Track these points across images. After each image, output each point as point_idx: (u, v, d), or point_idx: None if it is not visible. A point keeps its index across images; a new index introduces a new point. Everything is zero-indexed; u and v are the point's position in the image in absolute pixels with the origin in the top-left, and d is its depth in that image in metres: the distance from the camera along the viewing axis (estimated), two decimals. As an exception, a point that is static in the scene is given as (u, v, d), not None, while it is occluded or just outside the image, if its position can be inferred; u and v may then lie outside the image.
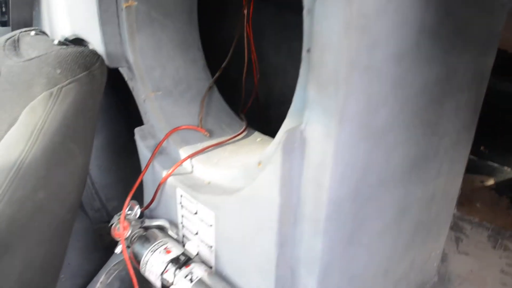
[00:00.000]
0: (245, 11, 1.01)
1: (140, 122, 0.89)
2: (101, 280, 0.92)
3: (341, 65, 0.49)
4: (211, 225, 0.72)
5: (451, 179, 0.85)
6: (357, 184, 0.60)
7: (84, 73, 0.77)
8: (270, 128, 0.92)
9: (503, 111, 1.29)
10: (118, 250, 0.80)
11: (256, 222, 0.63)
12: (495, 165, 1.39)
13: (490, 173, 1.38)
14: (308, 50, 0.53)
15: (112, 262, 0.93)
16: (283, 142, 0.55)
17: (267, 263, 0.64)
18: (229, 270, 0.73)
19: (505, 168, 1.39)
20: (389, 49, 0.53)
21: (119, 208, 0.82)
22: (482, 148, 1.41)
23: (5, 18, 1.10)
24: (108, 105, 1.18)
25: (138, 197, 0.85)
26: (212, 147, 0.81)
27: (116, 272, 0.94)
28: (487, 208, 1.23)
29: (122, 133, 1.23)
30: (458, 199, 0.99)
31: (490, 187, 1.34)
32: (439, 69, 0.65)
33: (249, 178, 0.65)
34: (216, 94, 0.96)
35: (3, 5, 1.07)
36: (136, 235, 0.79)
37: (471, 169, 1.38)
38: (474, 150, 1.42)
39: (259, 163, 0.63)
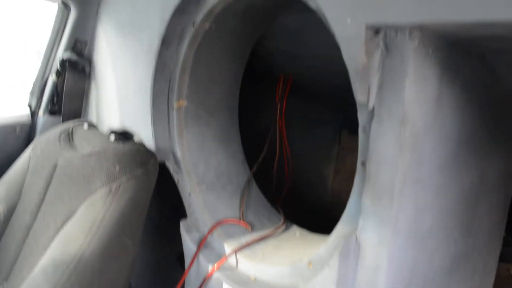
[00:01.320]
0: (279, 106, 1.10)
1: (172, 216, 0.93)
2: None
3: (395, 179, 0.55)
4: (258, 322, 0.74)
5: (486, 276, 0.88)
6: (405, 286, 0.63)
7: (141, 170, 0.83)
8: (300, 213, 0.96)
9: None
10: None
11: (309, 323, 0.66)
12: (518, 253, 1.41)
13: (514, 262, 1.40)
14: (363, 163, 0.58)
15: None
16: (341, 247, 0.60)
17: None
18: None
19: (528, 257, 1.41)
20: (433, 163, 0.59)
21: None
22: (506, 236, 1.43)
23: (55, 108, 1.18)
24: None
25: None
26: (256, 241, 0.85)
27: None
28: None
29: (157, 222, 1.26)
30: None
31: (515, 276, 1.35)
32: (474, 174, 0.70)
33: (298, 277, 0.69)
34: (254, 187, 1.01)
35: (55, 96, 1.16)
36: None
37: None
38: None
39: (310, 263, 0.67)
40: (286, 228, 0.92)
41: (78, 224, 0.79)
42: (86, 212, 0.79)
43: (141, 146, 0.90)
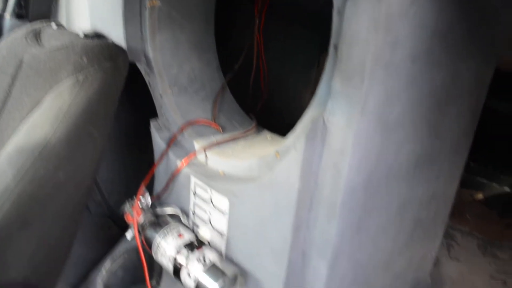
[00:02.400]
0: (257, 20, 1.07)
1: (143, 121, 0.92)
2: (106, 267, 0.94)
3: (367, 59, 0.54)
4: (224, 213, 0.76)
5: (449, 182, 0.90)
6: (370, 173, 0.64)
7: (110, 63, 0.81)
8: (275, 129, 0.96)
9: (493, 129, 1.36)
10: (129, 235, 0.83)
11: (274, 207, 0.67)
12: (484, 180, 1.46)
13: (479, 188, 1.44)
14: (335, 46, 0.57)
15: (117, 251, 0.95)
16: (308, 129, 0.60)
17: (282, 246, 0.67)
18: (240, 256, 0.76)
19: (494, 184, 1.46)
20: (406, 49, 0.58)
21: (120, 203, 0.85)
22: (472, 164, 1.47)
23: (22, 11, 1.13)
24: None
25: (147, 189, 0.88)
26: (226, 141, 0.85)
27: (121, 260, 0.95)
28: (477, 219, 1.29)
29: (124, 129, 1.25)
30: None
31: (479, 200, 1.40)
32: (445, 74, 0.70)
33: (266, 167, 0.69)
34: (228, 94, 1.00)
35: (23, -1, 1.11)
36: (148, 222, 0.82)
37: (462, 183, 1.44)
38: (465, 166, 1.48)
39: (277, 153, 0.67)
40: (258, 132, 0.92)
41: (44, 114, 0.77)
42: (52, 102, 0.77)
43: (111, 43, 0.87)
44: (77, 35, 0.89)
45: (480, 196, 1.42)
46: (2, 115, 0.89)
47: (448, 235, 1.18)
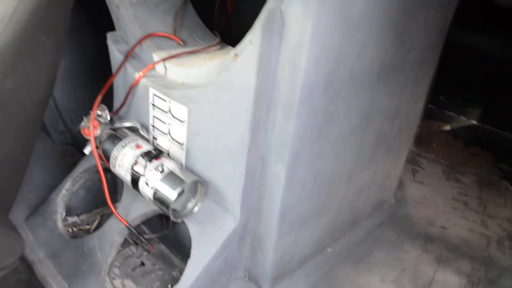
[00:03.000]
0: None
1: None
2: (66, 186, 0.91)
3: None
4: (183, 121, 0.73)
5: (414, 99, 0.89)
6: (330, 74, 0.62)
7: (59, -37, 0.75)
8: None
9: (465, 64, 1.36)
10: (87, 150, 0.80)
11: (231, 109, 0.65)
12: (452, 114, 1.47)
13: (447, 120, 1.46)
14: None
15: (77, 170, 0.93)
16: (264, 22, 0.57)
17: (240, 150, 0.66)
18: (199, 165, 0.75)
19: (461, 117, 1.47)
20: None
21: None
22: (441, 98, 1.48)
23: None
24: (76, 29, 1.15)
25: (108, 105, 0.85)
26: (186, 54, 0.81)
27: (82, 180, 0.93)
28: (443, 148, 1.31)
29: (88, 57, 1.20)
30: (416, 138, 1.05)
31: (446, 131, 1.41)
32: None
33: (224, 68, 0.66)
34: (191, 9, 0.95)
35: None
36: (105, 135, 0.79)
37: (430, 116, 1.45)
38: (434, 100, 1.49)
39: (236, 55, 0.64)
40: (221, 48, 0.89)
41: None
42: (-3, 4, 0.72)
43: None
44: None
45: (447, 128, 1.44)
46: None
47: (414, 162, 1.20)
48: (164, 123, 0.77)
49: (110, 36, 0.85)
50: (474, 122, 1.45)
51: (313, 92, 0.61)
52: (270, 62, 0.60)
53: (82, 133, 0.80)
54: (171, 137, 0.77)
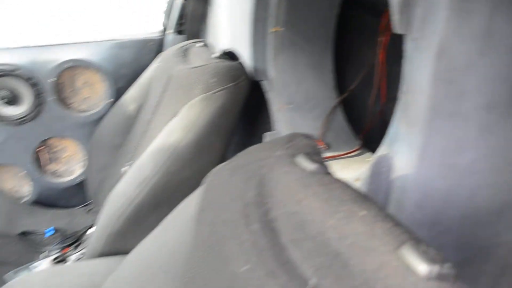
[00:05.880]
0: (381, 39, 1.10)
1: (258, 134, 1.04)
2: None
3: (426, 110, 0.57)
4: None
5: None
6: (436, 214, 0.67)
7: (232, 84, 0.96)
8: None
9: None
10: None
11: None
12: None
13: None
14: (404, 92, 0.62)
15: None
16: (372, 164, 0.66)
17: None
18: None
19: None
20: (478, 100, 0.59)
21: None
22: None
23: (182, 28, 1.37)
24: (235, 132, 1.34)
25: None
26: (327, 159, 0.93)
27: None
28: None
29: (243, 140, 1.40)
30: None
31: None
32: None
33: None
34: (339, 114, 1.07)
35: (182, 17, 1.34)
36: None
37: None
38: None
39: (357, 179, 0.74)
40: (360, 154, 0.98)
41: (178, 122, 0.96)
42: (185, 113, 0.96)
43: (237, 64, 1.02)
44: (212, 55, 1.07)
45: None
46: (155, 117, 1.12)
47: None
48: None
49: (267, 136, 1.03)
50: None
51: (416, 229, 0.66)
52: (379, 198, 0.68)
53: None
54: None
